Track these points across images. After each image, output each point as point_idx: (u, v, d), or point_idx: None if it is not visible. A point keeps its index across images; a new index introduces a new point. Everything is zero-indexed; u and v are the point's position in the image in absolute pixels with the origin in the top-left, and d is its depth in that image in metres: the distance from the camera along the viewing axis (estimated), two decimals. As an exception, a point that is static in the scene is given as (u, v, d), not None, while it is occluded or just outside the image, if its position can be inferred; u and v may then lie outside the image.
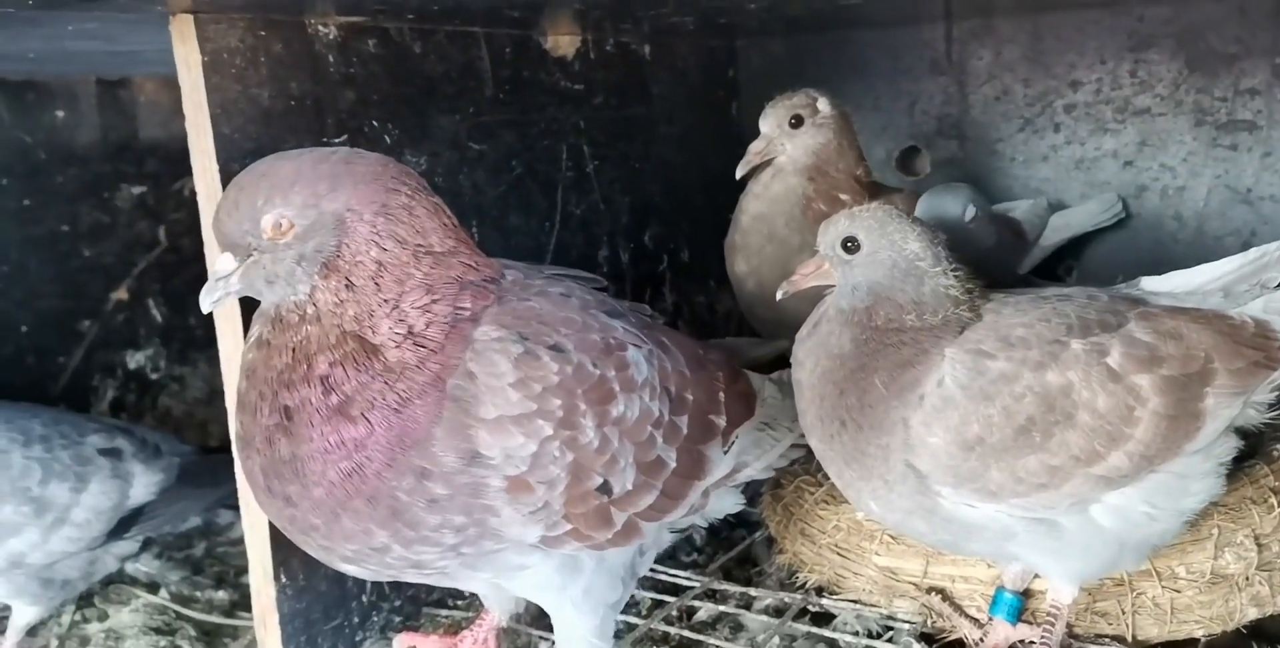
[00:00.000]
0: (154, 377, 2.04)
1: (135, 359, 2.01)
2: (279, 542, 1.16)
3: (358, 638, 1.31)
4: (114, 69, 1.82)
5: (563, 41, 1.59)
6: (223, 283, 0.99)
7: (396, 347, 0.98)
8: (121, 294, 1.97)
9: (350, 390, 0.96)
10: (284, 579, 1.21)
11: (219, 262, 1.00)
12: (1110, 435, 1.08)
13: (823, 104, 1.56)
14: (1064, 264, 1.87)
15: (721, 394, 1.22)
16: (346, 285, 0.97)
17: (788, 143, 1.56)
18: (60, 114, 1.87)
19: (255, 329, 1.02)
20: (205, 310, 1.01)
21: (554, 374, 1.02)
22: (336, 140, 1.24)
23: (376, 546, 1.00)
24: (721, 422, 1.21)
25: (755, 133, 1.57)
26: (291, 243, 0.96)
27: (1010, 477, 1.07)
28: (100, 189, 1.93)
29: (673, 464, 1.13)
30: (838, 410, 1.12)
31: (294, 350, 0.98)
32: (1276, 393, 1.17)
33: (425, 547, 1.01)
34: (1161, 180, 1.80)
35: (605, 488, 1.07)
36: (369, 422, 0.96)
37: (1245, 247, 1.34)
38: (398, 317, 0.98)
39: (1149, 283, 1.24)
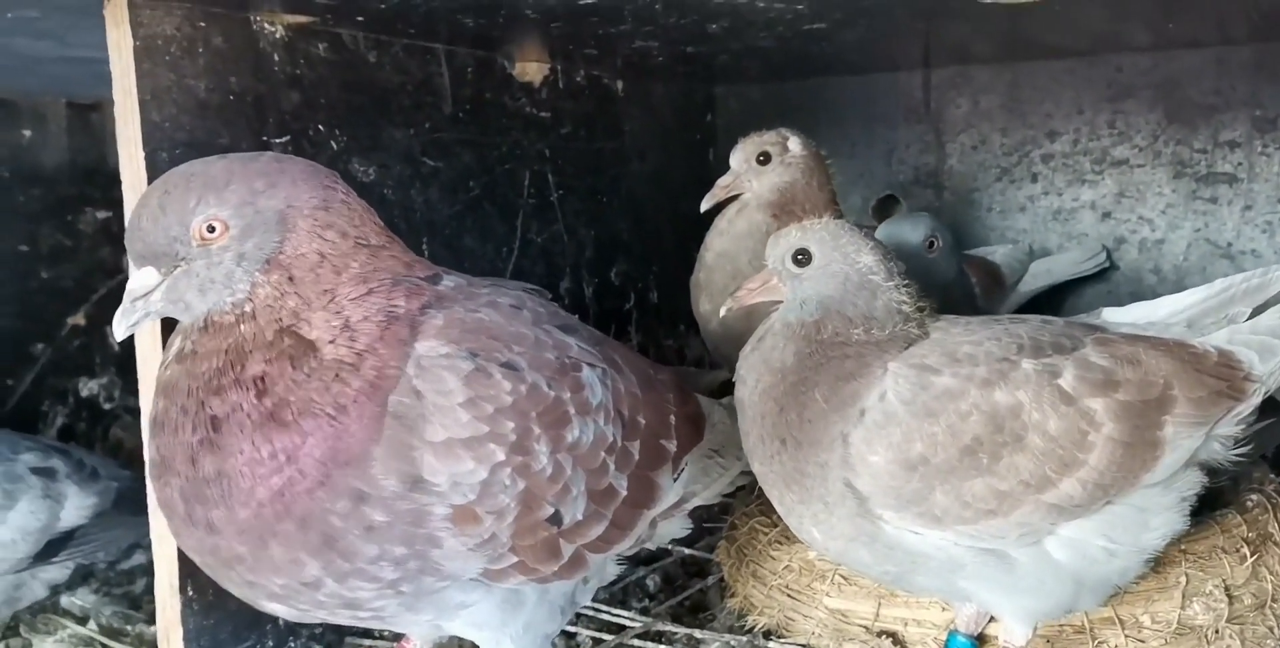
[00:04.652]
0: (107, 406, 1.99)
1: (88, 387, 1.97)
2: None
3: (271, 664, 1.23)
4: (83, 89, 1.81)
5: (530, 68, 1.58)
6: (142, 302, 0.93)
7: (332, 342, 0.93)
8: (79, 319, 1.94)
9: (284, 391, 0.91)
10: (190, 592, 1.14)
11: (138, 278, 0.93)
12: (1062, 461, 1.02)
13: (794, 144, 1.54)
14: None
15: (672, 417, 1.17)
16: (289, 279, 0.93)
17: (754, 179, 1.54)
18: (27, 133, 1.86)
19: (175, 345, 0.96)
20: (120, 337, 0.95)
21: (507, 394, 0.97)
22: (279, 141, 1.21)
23: (308, 580, 0.93)
24: (672, 446, 1.16)
25: (732, 178, 1.55)
26: (228, 245, 0.92)
27: (956, 501, 1.02)
28: (64, 211, 1.92)
29: (624, 492, 1.08)
30: (778, 428, 1.07)
31: (225, 353, 0.92)
32: (1242, 427, 1.11)
33: (361, 581, 0.94)
34: (1140, 233, 1.77)
35: (556, 518, 1.01)
36: (302, 428, 0.90)
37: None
38: (334, 309, 0.94)
39: (1110, 313, 1.20)
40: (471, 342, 0.98)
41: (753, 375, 1.11)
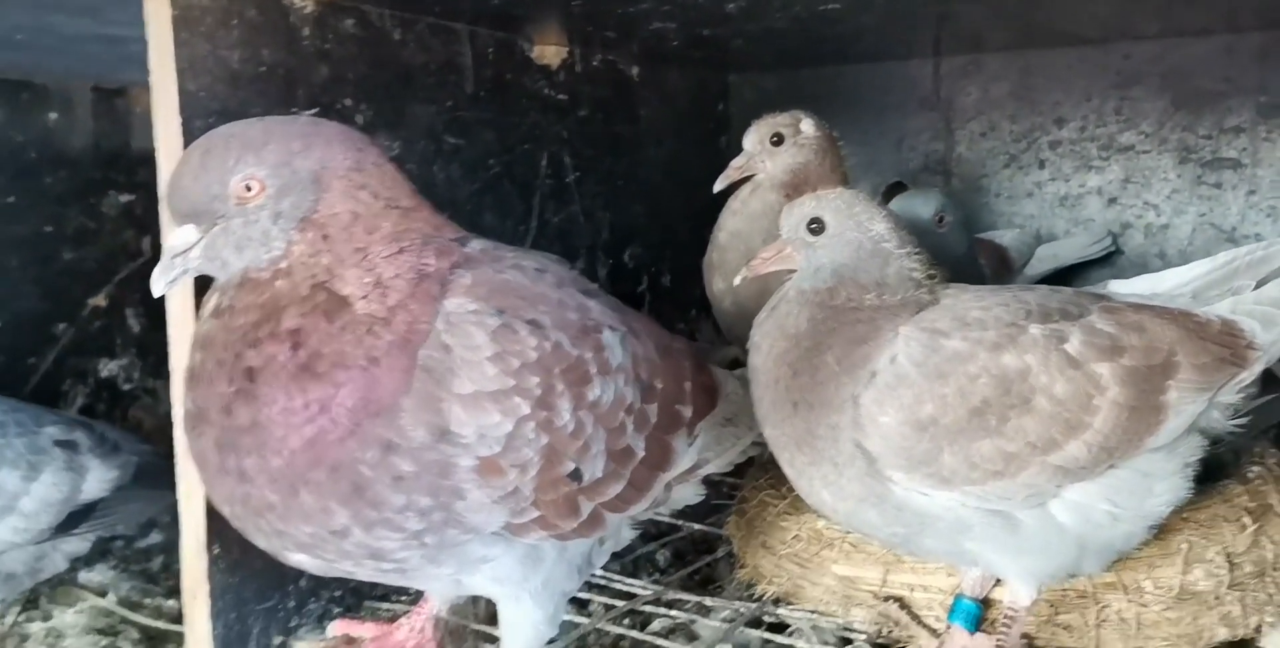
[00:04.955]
0: (126, 387, 2.02)
1: (109, 368, 2.00)
2: (216, 510, 1.12)
3: (292, 624, 1.26)
4: (111, 71, 1.85)
5: (548, 52, 1.61)
6: (180, 260, 0.95)
7: (364, 297, 0.95)
8: (100, 301, 1.97)
9: (318, 343, 0.93)
10: (217, 550, 1.17)
11: (177, 235, 0.96)
12: (1068, 423, 1.04)
13: (806, 125, 1.56)
14: (1047, 300, 1.85)
15: (688, 384, 1.19)
16: (323, 237, 0.96)
17: (768, 160, 1.56)
18: (54, 116, 1.89)
19: (212, 301, 0.99)
20: (158, 293, 0.97)
21: (532, 350, 0.99)
22: (307, 113, 1.24)
23: (336, 528, 0.95)
24: (688, 412, 1.18)
25: (744, 167, 1.58)
26: (264, 204, 0.95)
27: (964, 462, 1.04)
28: (88, 194, 1.95)
29: (641, 454, 1.10)
30: (791, 392, 1.09)
31: (262, 307, 0.95)
32: (1243, 396, 1.13)
33: (387, 531, 0.96)
34: (1145, 218, 1.79)
35: (576, 475, 1.04)
36: (335, 379, 0.92)
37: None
38: (367, 266, 0.96)
39: (1115, 285, 1.22)
40: (498, 300, 1.00)
41: (767, 342, 1.14)
